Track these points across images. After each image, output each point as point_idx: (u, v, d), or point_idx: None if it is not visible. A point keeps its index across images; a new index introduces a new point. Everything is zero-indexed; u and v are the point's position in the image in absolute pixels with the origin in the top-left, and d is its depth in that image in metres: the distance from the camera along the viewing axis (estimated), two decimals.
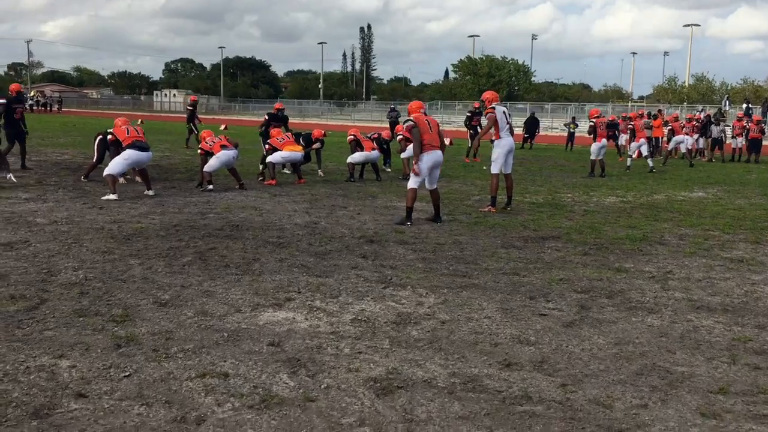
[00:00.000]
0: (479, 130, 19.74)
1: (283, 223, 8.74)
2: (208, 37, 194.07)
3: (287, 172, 14.49)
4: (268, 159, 13.05)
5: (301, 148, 13.34)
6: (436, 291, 5.79)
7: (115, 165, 10.73)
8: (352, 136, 14.49)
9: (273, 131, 13.92)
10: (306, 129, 17.64)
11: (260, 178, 13.25)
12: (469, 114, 21.92)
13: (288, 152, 12.97)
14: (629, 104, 57.86)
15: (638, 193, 13.13)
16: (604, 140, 16.25)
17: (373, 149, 14.33)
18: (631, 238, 8.30)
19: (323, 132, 14.92)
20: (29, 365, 3.94)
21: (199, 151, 12.20)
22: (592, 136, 16.31)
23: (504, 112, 10.27)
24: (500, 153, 10.18)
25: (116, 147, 11.16)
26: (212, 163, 11.72)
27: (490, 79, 68.60)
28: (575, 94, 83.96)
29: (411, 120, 8.98)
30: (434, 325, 4.90)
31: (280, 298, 5.44)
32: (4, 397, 3.52)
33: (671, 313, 5.33)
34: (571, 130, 27.60)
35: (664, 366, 4.21)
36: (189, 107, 22.83)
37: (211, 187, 11.61)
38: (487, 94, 10.76)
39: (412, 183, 8.96)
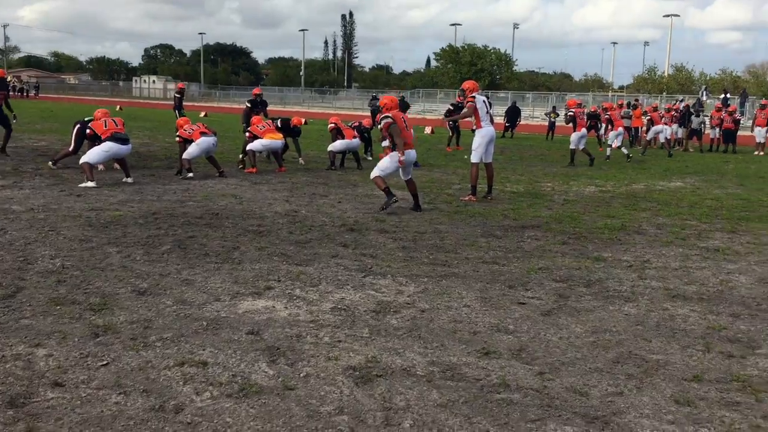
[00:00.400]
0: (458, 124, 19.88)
1: (263, 212, 8.71)
2: (187, 23, 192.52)
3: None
4: (249, 147, 12.99)
5: (281, 136, 13.29)
6: (416, 280, 5.80)
7: (93, 154, 10.64)
8: (333, 125, 14.45)
9: (254, 119, 13.85)
10: (285, 116, 17.62)
11: (240, 166, 13.19)
12: (450, 108, 21.92)
13: (268, 140, 12.92)
14: (609, 94, 58.14)
15: (617, 182, 13.22)
16: (584, 130, 16.33)
17: (354, 137, 14.31)
18: (610, 227, 8.36)
19: (303, 120, 14.87)
20: (5, 354, 3.91)
21: (177, 138, 12.11)
22: (571, 125, 16.39)
23: (484, 101, 10.26)
24: (481, 142, 10.19)
25: (95, 140, 11.05)
26: (192, 150, 11.65)
27: (472, 67, 68.47)
28: (556, 84, 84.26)
29: (389, 117, 8.95)
30: (414, 314, 4.91)
31: (260, 287, 5.43)
32: None
33: (648, 301, 5.39)
34: (552, 120, 27.73)
35: (640, 354, 4.25)
36: (177, 94, 22.62)
37: (191, 174, 11.55)
38: (468, 84, 10.72)
39: (378, 171, 9.05)
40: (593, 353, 4.25)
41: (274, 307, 4.96)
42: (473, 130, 10.34)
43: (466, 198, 10.23)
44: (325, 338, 4.37)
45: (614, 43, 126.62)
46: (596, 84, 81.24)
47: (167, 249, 6.57)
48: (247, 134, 13.35)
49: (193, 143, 11.61)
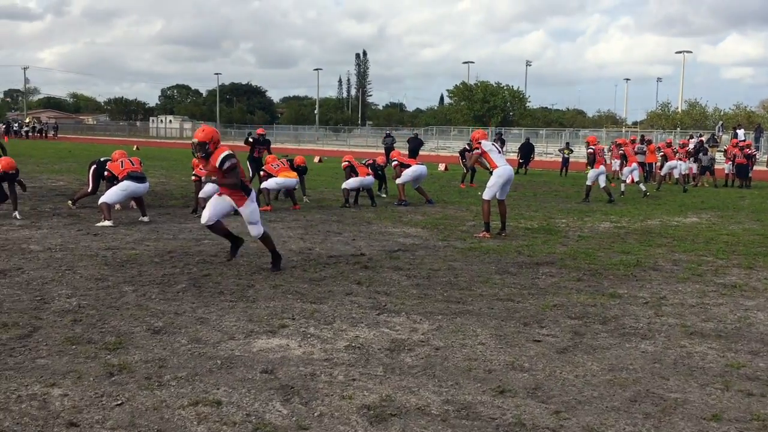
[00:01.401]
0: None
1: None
2: (204, 64, 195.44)
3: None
4: (263, 185, 13.10)
5: (295, 174, 13.41)
6: (430, 317, 5.79)
7: (111, 194, 10.76)
8: (347, 162, 14.54)
9: (268, 158, 13.97)
10: (291, 154, 17.82)
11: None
12: (465, 148, 22.12)
13: (283, 178, 13.04)
14: (623, 129, 58.23)
15: (632, 218, 13.17)
16: (602, 167, 16.30)
17: (368, 175, 14.39)
18: (625, 263, 8.32)
19: (306, 160, 15.00)
20: (21, 394, 3.93)
21: (192, 177, 12.20)
22: (588, 161, 16.37)
23: (493, 144, 10.70)
24: (497, 181, 10.27)
25: (112, 181, 11.16)
26: (207, 189, 11.72)
27: (485, 104, 69.00)
28: (570, 120, 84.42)
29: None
30: (428, 352, 4.89)
31: (274, 325, 5.43)
32: None
33: (665, 339, 5.34)
34: (566, 156, 27.73)
35: (658, 392, 4.21)
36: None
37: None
38: (475, 134, 11.07)
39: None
40: (610, 392, 4.21)
41: (288, 345, 4.96)
42: (490, 171, 10.40)
43: (480, 235, 10.23)
44: (340, 377, 4.35)
45: (627, 79, 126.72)
46: (610, 120, 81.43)
47: (182, 287, 6.60)
48: (262, 173, 13.45)
49: (209, 182, 11.66)
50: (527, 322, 5.72)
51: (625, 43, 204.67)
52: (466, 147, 21.95)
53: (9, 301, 5.93)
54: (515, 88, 74.25)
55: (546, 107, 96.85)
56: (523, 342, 5.18)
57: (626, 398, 4.10)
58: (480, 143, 10.49)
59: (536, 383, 4.33)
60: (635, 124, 76.84)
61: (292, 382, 4.22)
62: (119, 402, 3.86)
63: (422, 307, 6.10)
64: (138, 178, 10.93)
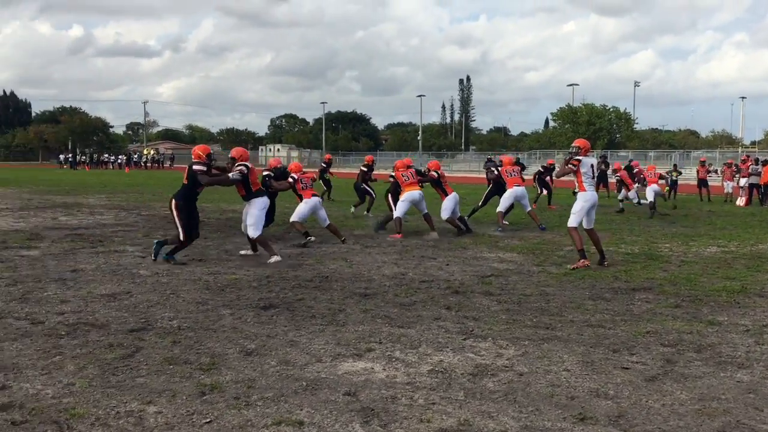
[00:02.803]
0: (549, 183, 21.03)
1: (371, 275, 8.90)
2: (310, 93, 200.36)
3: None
4: (396, 214, 13.19)
5: (419, 186, 13.42)
6: (516, 343, 5.76)
7: (300, 212, 11.84)
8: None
9: (397, 173, 13.64)
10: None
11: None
12: (541, 170, 21.93)
13: (408, 192, 13.11)
14: (740, 149, 55.72)
15: (741, 242, 12.60)
16: (654, 185, 18.30)
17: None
18: (728, 289, 7.99)
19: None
20: (119, 411, 4.19)
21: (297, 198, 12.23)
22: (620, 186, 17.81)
23: (592, 165, 9.89)
24: (583, 206, 9.70)
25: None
26: (302, 210, 11.89)
27: (590, 126, 67.68)
28: (681, 141, 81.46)
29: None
30: (511, 377, 4.88)
31: (361, 349, 5.55)
32: None
33: (763, 368, 5.11)
34: (674, 178, 26.80)
35: (749, 424, 4.04)
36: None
37: (312, 238, 11.59)
38: (582, 143, 10.10)
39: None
40: (697, 422, 4.08)
41: (372, 368, 5.06)
42: (575, 193, 10.04)
43: (579, 264, 9.50)
44: (420, 400, 4.41)
45: (743, 97, 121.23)
46: (725, 140, 78.12)
47: (276, 311, 6.83)
48: (391, 201, 13.71)
49: (303, 202, 11.91)
50: (617, 348, 5.60)
51: (740, 60, 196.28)
52: (541, 169, 21.80)
53: (116, 322, 6.32)
54: (622, 110, 72.53)
55: (656, 128, 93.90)
56: (610, 369, 5.09)
57: (714, 428, 3.97)
58: (580, 160, 9.70)
59: (620, 411, 4.24)
60: (753, 143, 73.42)
61: (372, 405, 4.31)
62: (208, 420, 4.06)
63: (510, 333, 6.08)
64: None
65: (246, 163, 10.22)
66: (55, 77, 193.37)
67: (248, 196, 10.19)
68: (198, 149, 9.96)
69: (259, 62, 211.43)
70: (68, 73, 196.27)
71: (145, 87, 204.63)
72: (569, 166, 9.85)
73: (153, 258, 9.72)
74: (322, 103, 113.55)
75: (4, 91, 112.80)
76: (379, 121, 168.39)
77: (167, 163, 73.19)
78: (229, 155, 10.65)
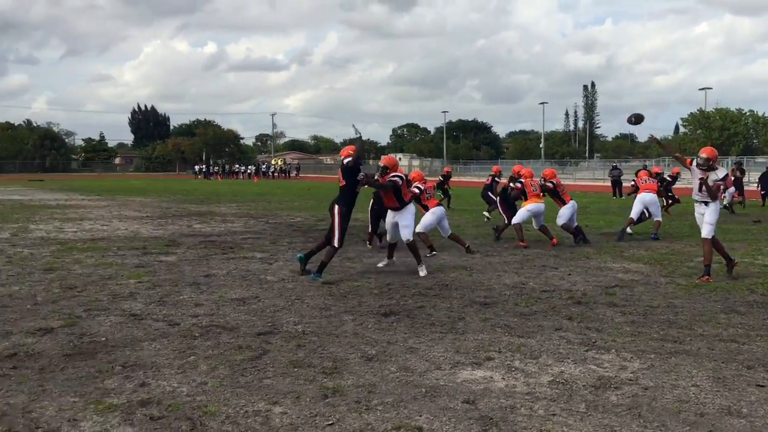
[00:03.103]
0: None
1: (491, 283, 8.87)
2: (432, 102, 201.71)
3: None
4: (514, 221, 13.12)
5: (542, 199, 13.22)
6: (642, 356, 5.59)
7: (425, 222, 11.48)
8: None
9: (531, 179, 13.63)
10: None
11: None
12: (668, 179, 21.08)
13: (532, 204, 13.00)
14: None
15: None
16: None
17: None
18: None
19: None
20: (248, 410, 4.40)
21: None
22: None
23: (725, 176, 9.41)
24: (717, 218, 9.28)
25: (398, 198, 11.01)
26: (428, 220, 11.50)
27: (724, 132, 64.39)
28: None
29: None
30: (636, 391, 4.75)
31: (480, 357, 5.55)
32: None
33: None
34: None
35: None
36: (441, 177, 23.81)
37: (435, 253, 11.49)
38: (712, 153, 9.50)
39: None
40: None
41: (492, 377, 5.06)
42: (706, 204, 9.26)
43: (703, 279, 8.97)
44: (540, 411, 4.37)
45: None
46: None
47: (397, 318, 6.94)
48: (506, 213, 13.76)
49: (429, 212, 11.54)
50: (751, 365, 5.33)
51: None
52: (668, 178, 20.86)
53: (245, 326, 6.61)
54: (760, 114, 68.55)
55: None
56: (744, 386, 4.85)
57: None
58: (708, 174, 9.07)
59: (753, 430, 4.04)
60: None
61: (491, 414, 4.31)
62: (330, 422, 4.19)
63: (634, 345, 5.91)
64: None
65: (400, 174, 9.91)
66: (191, 92, 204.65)
67: (401, 206, 9.82)
68: (349, 149, 9.62)
69: (381, 73, 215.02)
70: (203, 87, 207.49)
71: (272, 99, 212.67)
72: (726, 177, 9.57)
73: (301, 273, 9.50)
74: (443, 112, 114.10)
75: (146, 106, 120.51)
76: (501, 129, 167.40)
77: (293, 173, 75.57)
78: (380, 163, 10.36)
